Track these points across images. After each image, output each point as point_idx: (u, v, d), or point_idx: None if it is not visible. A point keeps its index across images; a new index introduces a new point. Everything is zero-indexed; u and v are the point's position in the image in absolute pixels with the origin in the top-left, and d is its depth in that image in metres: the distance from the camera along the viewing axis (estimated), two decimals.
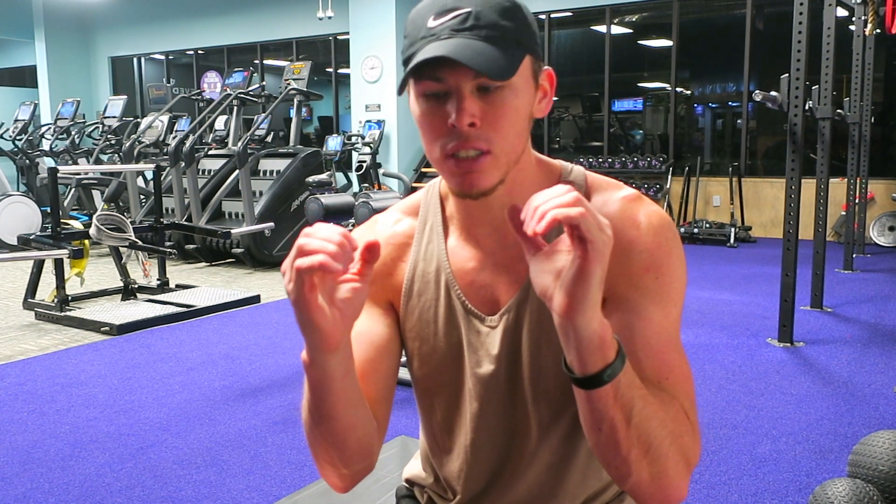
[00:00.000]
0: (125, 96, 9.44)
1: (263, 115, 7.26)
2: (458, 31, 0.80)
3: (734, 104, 9.01)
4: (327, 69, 11.09)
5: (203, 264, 6.81)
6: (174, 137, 7.12)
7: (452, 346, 0.96)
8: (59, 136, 9.46)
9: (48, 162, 9.55)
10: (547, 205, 0.68)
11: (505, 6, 0.82)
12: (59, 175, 4.94)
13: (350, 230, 0.86)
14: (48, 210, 5.39)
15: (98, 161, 8.59)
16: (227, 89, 7.31)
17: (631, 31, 9.48)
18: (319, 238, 0.69)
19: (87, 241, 4.85)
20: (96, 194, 7.93)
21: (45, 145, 10.00)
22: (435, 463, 1.05)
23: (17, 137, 9.67)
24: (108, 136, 8.73)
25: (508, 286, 0.92)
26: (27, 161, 9.35)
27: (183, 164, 6.51)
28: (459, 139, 0.82)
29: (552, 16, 9.41)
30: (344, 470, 0.87)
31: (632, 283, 0.87)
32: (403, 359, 1.00)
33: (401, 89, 0.86)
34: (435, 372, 0.97)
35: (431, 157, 0.86)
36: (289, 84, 7.05)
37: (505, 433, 0.97)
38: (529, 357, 0.91)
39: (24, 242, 4.78)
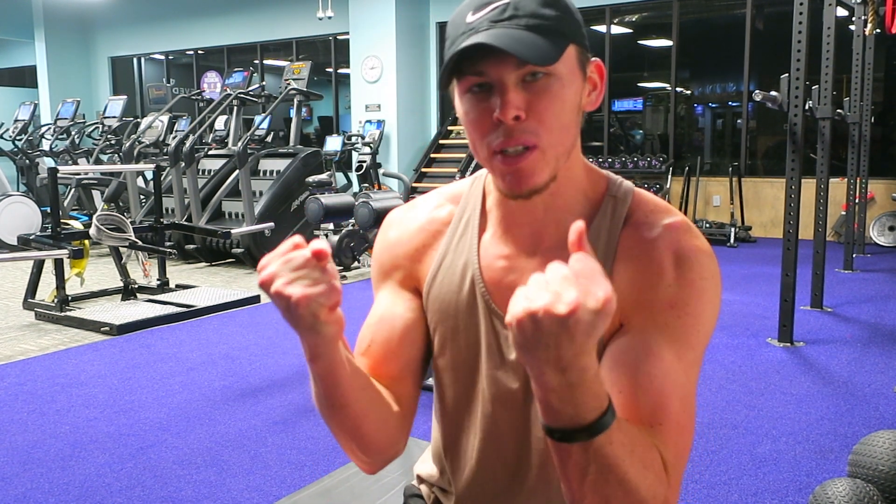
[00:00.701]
0: (125, 96, 9.44)
1: (263, 115, 7.27)
2: (498, 21, 0.79)
3: (734, 104, 9.00)
4: (327, 69, 11.08)
5: (203, 264, 6.81)
6: (174, 137, 7.12)
7: (471, 342, 0.94)
8: (59, 137, 9.46)
9: (48, 162, 9.55)
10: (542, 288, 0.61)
11: None
12: (59, 175, 4.94)
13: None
14: (48, 210, 5.39)
15: (98, 161, 8.59)
16: (227, 89, 7.31)
17: (631, 31, 9.48)
18: (277, 262, 0.70)
19: (87, 242, 4.85)
20: (96, 194, 7.93)
21: (45, 145, 10.00)
22: (444, 458, 1.03)
23: (17, 137, 9.68)
24: (108, 136, 8.73)
25: None
26: (27, 161, 9.36)
27: (183, 164, 6.51)
28: (505, 135, 0.80)
29: None
30: (365, 458, 0.89)
31: (651, 316, 0.82)
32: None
33: (444, 86, 0.84)
34: (451, 364, 0.96)
35: (479, 157, 0.84)
36: (289, 84, 7.05)
37: (516, 442, 0.94)
38: None
39: (24, 242, 4.78)
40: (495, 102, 0.79)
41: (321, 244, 0.71)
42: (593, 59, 0.86)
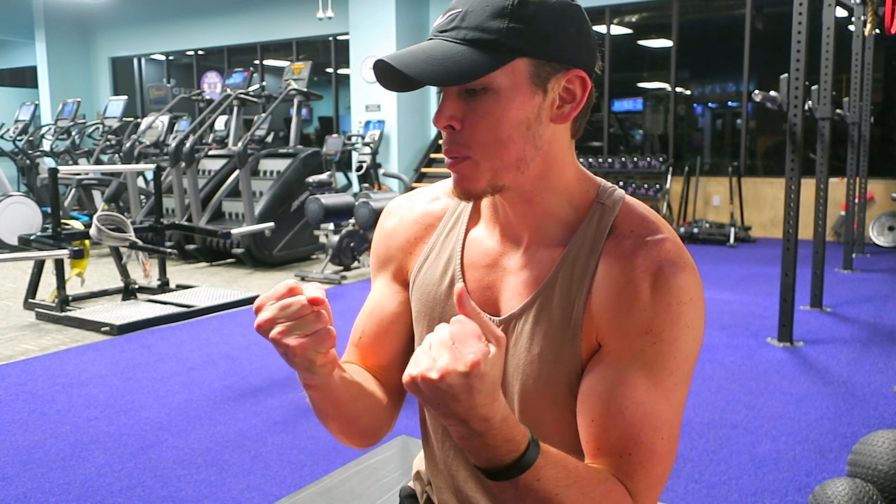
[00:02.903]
0: (125, 97, 9.45)
1: (263, 115, 7.27)
2: (443, 31, 0.81)
3: (734, 104, 9.01)
4: (327, 69, 11.09)
5: (203, 264, 6.81)
6: (174, 138, 7.12)
7: None
8: (60, 137, 9.47)
9: (49, 162, 9.57)
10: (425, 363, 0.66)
11: (503, 5, 0.78)
12: (59, 175, 4.94)
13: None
14: (48, 210, 5.40)
15: (98, 161, 8.60)
16: (228, 89, 7.31)
17: (631, 31, 9.48)
18: (273, 307, 0.73)
19: (87, 242, 4.85)
20: (97, 194, 7.94)
21: (46, 146, 10.01)
22: (424, 450, 1.05)
23: (18, 138, 9.69)
24: (109, 136, 8.74)
25: (514, 294, 0.89)
26: (28, 161, 9.36)
27: (183, 164, 6.51)
28: (445, 140, 0.83)
29: None
30: (354, 444, 0.96)
31: (626, 342, 0.81)
32: None
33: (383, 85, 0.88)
34: None
35: None
36: (289, 84, 7.05)
37: None
38: (521, 373, 0.88)
39: (25, 243, 4.79)
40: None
41: (317, 291, 0.74)
42: (574, 70, 0.82)
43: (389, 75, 0.82)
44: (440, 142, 9.57)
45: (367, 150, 8.61)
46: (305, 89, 7.03)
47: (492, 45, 0.78)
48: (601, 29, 9.05)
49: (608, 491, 0.78)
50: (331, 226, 6.06)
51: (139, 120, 9.04)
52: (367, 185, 8.52)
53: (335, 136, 8.52)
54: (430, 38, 0.81)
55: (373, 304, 1.01)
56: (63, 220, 5.03)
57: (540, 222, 0.89)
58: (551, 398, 0.86)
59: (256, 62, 11.70)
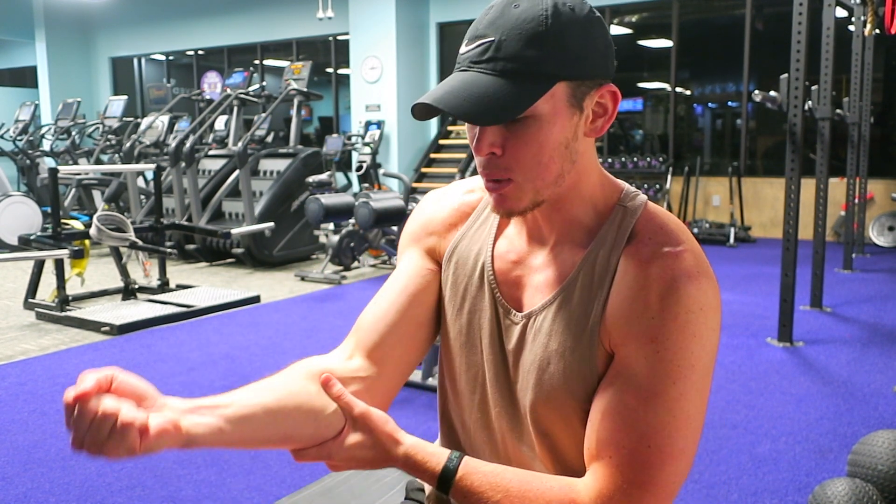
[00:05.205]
0: (125, 96, 9.45)
1: (263, 115, 7.27)
2: (476, 63, 0.80)
3: (734, 104, 9.01)
4: (327, 69, 11.09)
5: (203, 264, 6.81)
6: (174, 137, 7.12)
7: (475, 325, 0.97)
8: (60, 137, 9.47)
9: (49, 162, 9.56)
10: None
11: (537, 32, 0.79)
12: (59, 175, 4.94)
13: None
14: (49, 210, 5.40)
15: (98, 161, 8.60)
16: (228, 89, 7.31)
17: (631, 31, 9.48)
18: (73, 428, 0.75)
19: (87, 242, 4.85)
20: (97, 194, 7.94)
21: (46, 145, 10.00)
22: (442, 443, 1.06)
23: (18, 138, 9.68)
24: (109, 136, 8.74)
25: (536, 291, 0.92)
26: (28, 161, 9.36)
27: (183, 164, 6.51)
28: (484, 165, 0.84)
29: None
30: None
31: (633, 349, 0.82)
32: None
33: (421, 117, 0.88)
34: (455, 341, 1.00)
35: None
36: (289, 84, 7.05)
37: (502, 432, 0.97)
38: (537, 368, 0.90)
39: (25, 242, 4.79)
40: (475, 135, 0.83)
41: (72, 390, 0.73)
42: (606, 84, 0.84)
43: (426, 109, 0.82)
44: (441, 141, 9.62)
45: (367, 150, 8.62)
46: (305, 89, 7.03)
47: (531, 76, 0.79)
48: None
49: (542, 493, 0.83)
50: (331, 226, 6.06)
51: (139, 120, 9.04)
52: (367, 185, 8.52)
53: (335, 136, 8.52)
54: (464, 70, 0.81)
55: (398, 274, 1.02)
56: (63, 220, 5.03)
57: (566, 226, 0.91)
58: (566, 395, 0.88)
59: (256, 62, 11.69)
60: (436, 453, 0.86)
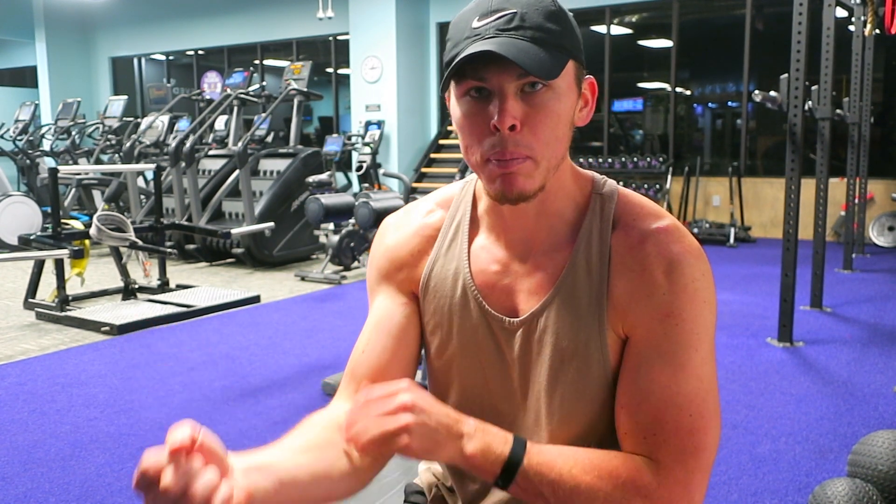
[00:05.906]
0: (125, 96, 9.45)
1: (263, 115, 7.27)
2: (504, 30, 0.80)
3: (734, 104, 9.01)
4: (327, 69, 11.09)
5: (203, 264, 6.81)
6: (174, 137, 7.12)
7: (467, 344, 0.95)
8: (60, 137, 9.47)
9: (49, 162, 9.56)
10: (368, 421, 0.76)
11: (551, 10, 0.81)
12: (59, 175, 4.95)
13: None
14: (49, 210, 5.40)
15: (98, 161, 8.60)
16: (228, 89, 7.31)
17: (631, 31, 9.48)
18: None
19: (87, 241, 4.85)
20: (97, 194, 7.94)
21: (46, 145, 9.99)
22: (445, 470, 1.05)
23: (18, 138, 9.68)
24: (109, 136, 8.74)
25: (529, 294, 0.91)
26: (28, 161, 9.36)
27: (183, 164, 6.51)
28: (500, 144, 0.81)
29: None
30: (352, 490, 0.88)
31: (650, 328, 0.84)
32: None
33: (443, 89, 0.86)
34: (448, 366, 0.97)
35: (471, 161, 0.85)
36: (289, 84, 7.05)
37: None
38: (547, 367, 0.89)
39: (25, 242, 4.79)
40: (493, 109, 0.80)
41: (181, 435, 0.66)
42: (587, 76, 0.88)
43: (468, 64, 0.80)
44: (441, 141, 9.61)
45: (367, 150, 8.62)
46: (305, 89, 7.03)
47: (555, 46, 0.80)
48: (601, 29, 9.06)
49: (609, 467, 0.82)
50: (331, 226, 6.06)
51: (139, 120, 9.04)
52: (367, 185, 8.52)
53: (335, 135, 8.52)
54: (491, 37, 0.79)
55: (378, 317, 0.98)
56: (63, 220, 5.03)
57: (550, 222, 0.91)
58: (580, 389, 0.88)
59: (256, 62, 11.69)
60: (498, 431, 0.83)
